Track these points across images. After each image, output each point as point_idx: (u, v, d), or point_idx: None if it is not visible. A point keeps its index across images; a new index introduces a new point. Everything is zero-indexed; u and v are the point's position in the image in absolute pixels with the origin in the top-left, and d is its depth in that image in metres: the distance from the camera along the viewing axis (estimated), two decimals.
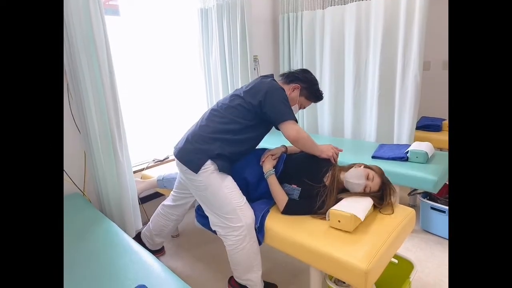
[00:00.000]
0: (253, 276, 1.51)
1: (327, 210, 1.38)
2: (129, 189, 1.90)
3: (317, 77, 2.93)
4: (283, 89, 1.51)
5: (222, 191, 1.44)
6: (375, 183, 1.43)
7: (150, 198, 2.35)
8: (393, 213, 1.42)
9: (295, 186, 1.49)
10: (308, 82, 1.63)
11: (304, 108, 1.71)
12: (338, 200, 1.42)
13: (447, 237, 2.00)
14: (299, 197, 1.47)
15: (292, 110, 1.50)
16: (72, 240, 1.36)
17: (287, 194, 1.49)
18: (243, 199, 1.48)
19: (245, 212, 1.45)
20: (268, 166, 1.54)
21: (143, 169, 2.31)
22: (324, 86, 2.92)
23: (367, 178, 1.43)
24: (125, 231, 1.79)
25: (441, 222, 2.01)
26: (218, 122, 1.49)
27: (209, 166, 1.44)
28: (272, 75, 1.64)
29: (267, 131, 1.62)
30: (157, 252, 1.96)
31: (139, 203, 2.27)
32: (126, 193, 1.87)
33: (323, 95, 1.70)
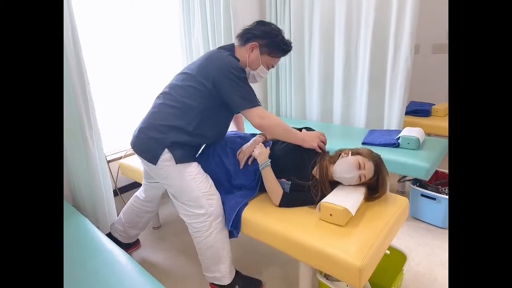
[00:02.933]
0: (222, 267, 1.42)
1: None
2: (102, 180, 1.75)
3: (306, 60, 2.85)
4: (237, 63, 1.29)
5: (184, 180, 1.33)
6: (368, 169, 1.28)
7: (128, 188, 2.21)
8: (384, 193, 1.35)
9: (285, 180, 1.38)
10: (267, 35, 1.37)
11: (273, 66, 1.46)
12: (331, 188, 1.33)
13: (437, 225, 1.98)
14: (290, 190, 1.37)
15: (252, 91, 1.30)
16: None
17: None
18: (207, 185, 1.37)
19: (210, 199, 1.35)
20: (264, 156, 1.38)
21: (120, 158, 2.16)
22: (313, 68, 2.81)
23: (359, 167, 1.28)
24: (98, 227, 1.67)
25: (431, 209, 1.98)
26: (169, 106, 1.32)
27: (166, 156, 1.30)
28: (233, 45, 1.43)
29: (231, 113, 1.44)
30: (132, 246, 1.84)
31: (118, 194, 2.14)
32: (98, 184, 1.72)
33: (291, 44, 1.43)
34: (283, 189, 1.38)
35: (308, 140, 1.40)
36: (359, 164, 1.28)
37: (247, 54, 1.37)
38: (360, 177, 1.29)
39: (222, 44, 2.40)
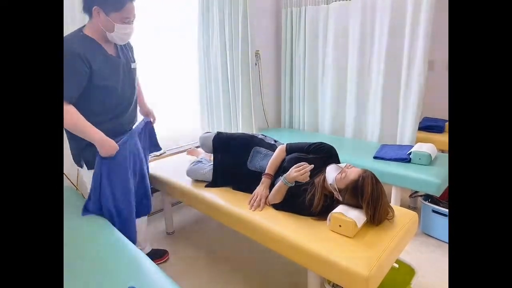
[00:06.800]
0: None
1: (316, 209, 1.36)
2: None
3: (319, 74, 2.91)
4: (66, 46, 1.23)
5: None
6: (351, 172, 1.32)
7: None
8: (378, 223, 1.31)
9: None
10: None
11: (130, 17, 1.38)
12: (326, 200, 1.38)
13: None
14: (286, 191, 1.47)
15: (71, 84, 1.27)
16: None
17: (276, 184, 1.50)
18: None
19: None
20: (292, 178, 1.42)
21: None
22: (326, 83, 2.87)
23: (346, 167, 1.36)
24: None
25: (443, 225, 1.97)
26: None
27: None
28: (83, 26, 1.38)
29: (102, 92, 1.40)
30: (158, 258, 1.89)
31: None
32: None
33: None
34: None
35: (106, 146, 1.41)
36: (345, 168, 1.35)
37: (98, 21, 1.33)
38: (341, 174, 1.33)
39: (240, 56, 2.50)
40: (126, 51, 1.55)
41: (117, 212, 1.50)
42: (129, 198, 1.52)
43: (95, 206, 1.47)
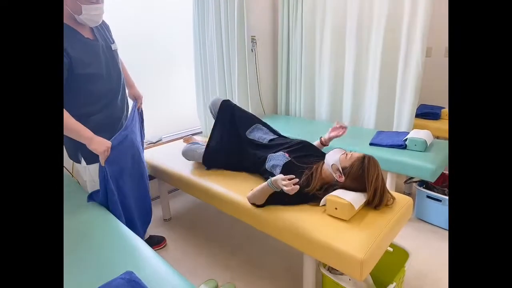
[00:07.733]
0: None
1: (312, 190, 1.37)
2: None
3: (317, 60, 2.88)
4: None
5: None
6: (354, 155, 1.37)
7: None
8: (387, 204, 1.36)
9: (288, 155, 1.53)
10: None
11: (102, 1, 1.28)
12: (321, 188, 1.39)
13: (442, 226, 2.00)
14: (282, 167, 1.48)
15: None
16: None
17: (276, 159, 1.53)
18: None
19: None
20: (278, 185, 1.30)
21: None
22: (324, 69, 2.84)
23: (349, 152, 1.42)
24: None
25: (437, 211, 2.00)
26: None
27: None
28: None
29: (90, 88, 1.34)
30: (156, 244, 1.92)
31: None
32: None
33: None
34: (279, 160, 1.52)
35: (97, 144, 1.33)
36: (348, 151, 1.42)
37: (65, 3, 1.22)
38: (345, 154, 1.39)
39: (236, 42, 2.45)
40: (102, 31, 1.44)
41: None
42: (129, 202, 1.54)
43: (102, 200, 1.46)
